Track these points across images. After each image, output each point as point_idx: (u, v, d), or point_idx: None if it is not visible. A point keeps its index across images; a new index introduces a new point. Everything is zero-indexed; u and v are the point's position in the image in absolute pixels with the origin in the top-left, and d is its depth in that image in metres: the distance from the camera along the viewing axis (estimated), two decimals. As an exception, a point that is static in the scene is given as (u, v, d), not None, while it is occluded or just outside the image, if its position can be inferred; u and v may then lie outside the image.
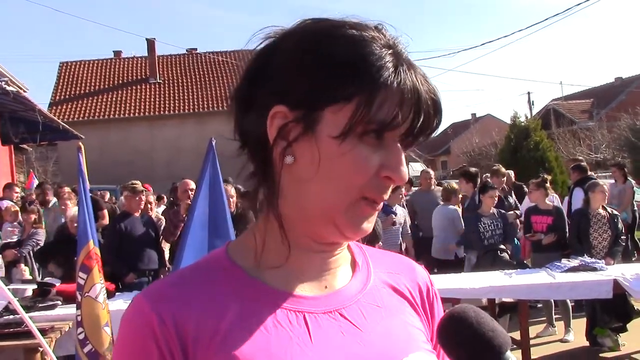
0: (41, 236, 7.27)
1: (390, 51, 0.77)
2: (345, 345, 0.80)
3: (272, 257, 0.84)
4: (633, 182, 9.52)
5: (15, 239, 7.59)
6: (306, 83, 0.76)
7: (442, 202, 7.70)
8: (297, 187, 0.80)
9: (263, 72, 0.81)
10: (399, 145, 0.79)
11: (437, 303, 0.97)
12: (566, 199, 8.75)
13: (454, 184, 8.31)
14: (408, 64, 0.78)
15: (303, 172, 0.79)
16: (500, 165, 8.57)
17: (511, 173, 10.09)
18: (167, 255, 6.72)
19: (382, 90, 0.74)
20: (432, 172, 9.22)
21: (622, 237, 6.41)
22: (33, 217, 7.42)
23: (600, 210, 6.35)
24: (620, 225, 6.43)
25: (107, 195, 9.44)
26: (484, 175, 12.17)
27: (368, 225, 0.81)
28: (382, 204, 0.82)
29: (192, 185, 6.23)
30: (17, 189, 9.95)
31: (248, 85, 0.83)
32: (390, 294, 0.91)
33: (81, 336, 3.56)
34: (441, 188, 9.23)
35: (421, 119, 0.77)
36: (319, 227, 0.81)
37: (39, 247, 6.97)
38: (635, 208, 9.75)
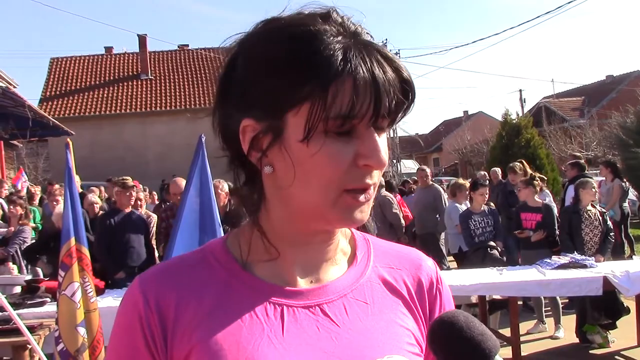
0: (28, 233, 7.17)
1: (339, 39, 0.75)
2: (318, 340, 0.81)
3: (261, 255, 0.86)
4: (621, 182, 9.58)
5: (1, 236, 7.50)
6: (263, 93, 0.77)
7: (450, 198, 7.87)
8: (281, 193, 0.81)
9: (229, 87, 0.82)
10: (372, 130, 0.77)
11: (442, 300, 0.95)
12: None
13: (460, 180, 8.37)
14: (361, 48, 0.76)
15: (282, 179, 0.79)
16: (519, 162, 8.59)
17: (498, 171, 10.19)
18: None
19: (332, 84, 0.73)
20: (427, 169, 9.26)
21: (611, 234, 6.46)
22: (20, 211, 7.31)
23: (590, 208, 6.39)
24: (608, 222, 6.48)
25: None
26: (477, 173, 12.26)
27: (362, 215, 0.79)
28: (374, 189, 0.80)
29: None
30: (7, 186, 9.87)
31: (221, 101, 0.84)
32: (384, 291, 0.90)
33: (56, 334, 3.54)
34: (436, 185, 9.29)
35: (382, 101, 0.75)
36: (312, 223, 0.82)
37: (25, 244, 6.88)
38: (626, 205, 9.81)
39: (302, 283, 0.85)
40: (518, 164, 8.43)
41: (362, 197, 0.78)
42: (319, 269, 0.87)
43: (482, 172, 11.72)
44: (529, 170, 8.26)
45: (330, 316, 0.83)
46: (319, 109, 0.73)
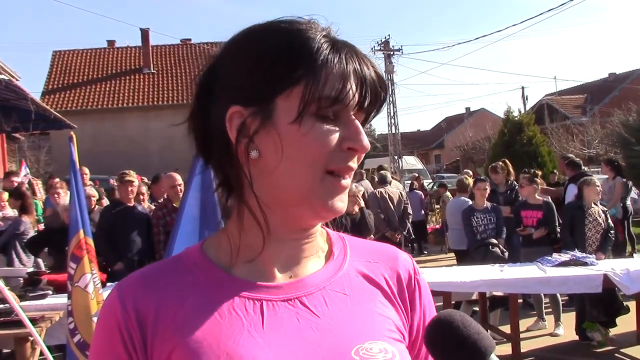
0: (23, 225, 7.12)
1: (324, 34, 0.83)
2: (298, 331, 0.83)
3: (246, 253, 0.87)
4: (622, 179, 9.56)
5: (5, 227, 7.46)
6: (254, 79, 0.81)
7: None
8: (267, 178, 0.83)
9: (214, 81, 0.86)
10: (354, 118, 0.83)
11: (421, 291, 0.98)
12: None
13: (468, 176, 8.35)
14: (344, 45, 0.83)
15: (269, 162, 0.82)
16: (501, 162, 8.56)
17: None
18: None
19: (324, 68, 0.79)
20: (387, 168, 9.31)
21: (612, 232, 6.46)
22: (19, 204, 7.27)
23: (592, 206, 6.40)
24: (609, 220, 6.49)
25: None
26: (462, 172, 12.24)
27: (342, 204, 0.84)
28: (349, 179, 0.85)
29: (179, 180, 6.19)
30: (15, 178, 9.88)
31: (203, 97, 0.87)
32: (362, 283, 0.92)
33: (71, 326, 3.56)
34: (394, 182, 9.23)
35: (368, 92, 0.82)
36: (296, 210, 0.84)
37: (23, 236, 6.84)
38: (629, 203, 9.81)
39: (281, 278, 0.87)
40: (500, 163, 8.39)
41: (344, 181, 0.83)
42: (297, 265, 0.89)
43: (467, 170, 11.70)
44: (511, 170, 8.28)
45: (309, 308, 0.85)
46: (312, 89, 0.78)
